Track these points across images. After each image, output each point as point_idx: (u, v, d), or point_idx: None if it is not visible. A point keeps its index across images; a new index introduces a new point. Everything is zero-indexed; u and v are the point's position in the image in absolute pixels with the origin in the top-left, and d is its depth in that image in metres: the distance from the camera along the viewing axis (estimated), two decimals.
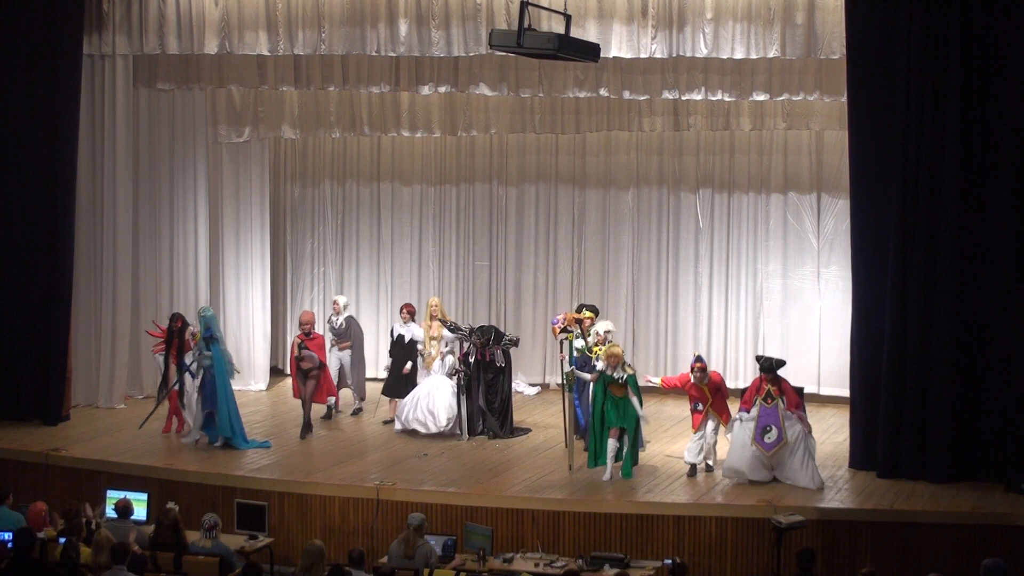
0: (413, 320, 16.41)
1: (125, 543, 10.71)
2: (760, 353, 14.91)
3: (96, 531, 11.39)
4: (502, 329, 16.94)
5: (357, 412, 16.91)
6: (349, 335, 16.85)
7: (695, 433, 14.36)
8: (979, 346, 13.87)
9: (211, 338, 15.29)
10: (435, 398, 15.78)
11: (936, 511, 13.00)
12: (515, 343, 16.17)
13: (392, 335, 16.59)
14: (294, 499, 13.78)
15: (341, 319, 16.88)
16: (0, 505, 12.07)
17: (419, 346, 16.21)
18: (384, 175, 19.24)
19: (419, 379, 16.22)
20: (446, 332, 16.00)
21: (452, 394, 15.79)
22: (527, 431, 16.07)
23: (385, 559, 11.83)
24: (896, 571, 12.47)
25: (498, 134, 18.37)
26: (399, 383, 16.33)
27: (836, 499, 13.41)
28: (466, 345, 15.89)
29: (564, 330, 15.53)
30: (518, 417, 16.50)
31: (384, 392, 16.62)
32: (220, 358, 15.29)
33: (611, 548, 12.68)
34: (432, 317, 16.12)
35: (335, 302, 17.14)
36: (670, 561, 11.57)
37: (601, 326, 15.32)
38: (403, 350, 16.37)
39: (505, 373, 15.95)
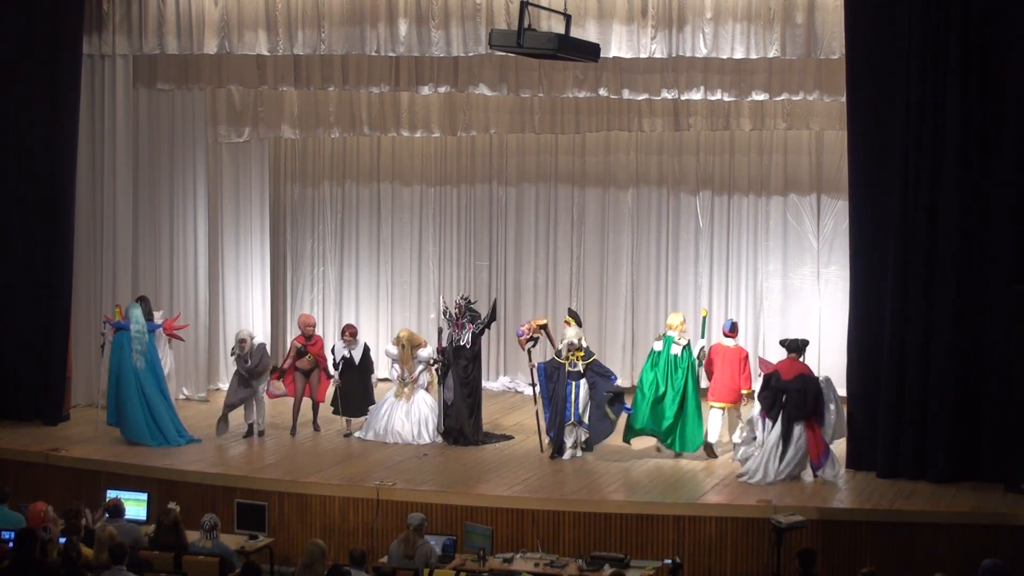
0: (356, 340, 15.99)
1: (123, 544, 10.72)
2: (785, 338, 15.03)
3: (100, 531, 11.36)
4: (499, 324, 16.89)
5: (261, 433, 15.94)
6: (264, 366, 15.85)
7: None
8: (979, 346, 13.87)
9: (122, 327, 15.36)
10: (413, 412, 15.56)
11: (936, 511, 12.99)
12: (493, 316, 15.82)
13: (334, 355, 16.02)
14: (294, 499, 13.77)
15: (253, 360, 15.62)
16: (0, 505, 12.07)
17: (395, 372, 15.85)
18: (384, 175, 19.25)
19: (376, 395, 15.92)
20: (420, 352, 15.71)
21: (431, 409, 15.64)
22: (506, 438, 15.78)
23: (385, 559, 11.83)
24: (896, 571, 12.46)
25: (498, 134, 18.38)
26: (355, 403, 15.96)
27: (836, 499, 13.42)
28: (446, 332, 15.68)
29: (531, 339, 15.43)
30: (516, 418, 16.49)
31: (345, 413, 16.01)
32: (123, 345, 15.33)
33: (611, 548, 12.67)
34: (403, 348, 15.74)
35: (243, 341, 15.70)
36: (670, 561, 11.57)
37: (572, 334, 14.98)
38: (353, 372, 15.93)
39: (476, 361, 15.58)
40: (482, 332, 15.62)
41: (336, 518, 13.64)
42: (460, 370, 15.45)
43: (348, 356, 15.93)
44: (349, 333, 16.10)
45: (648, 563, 12.05)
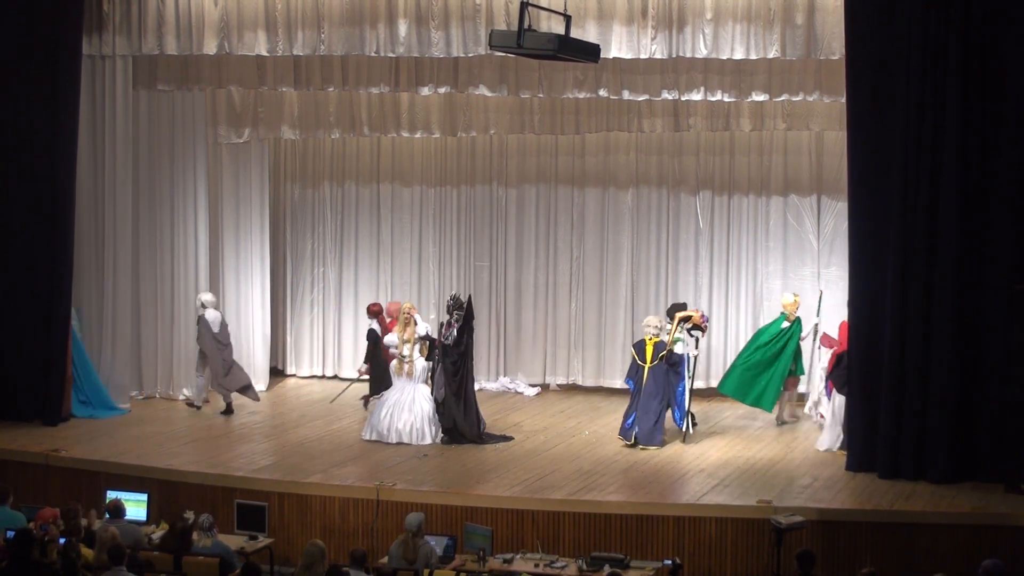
0: (375, 318, 16.70)
1: (121, 544, 10.71)
2: None
3: (101, 531, 11.36)
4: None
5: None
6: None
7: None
8: (978, 346, 13.88)
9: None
10: (415, 410, 15.57)
11: (936, 512, 13.00)
12: (470, 313, 15.59)
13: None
14: (294, 499, 13.77)
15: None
16: (1, 505, 12.07)
17: (393, 350, 15.93)
18: (384, 176, 19.25)
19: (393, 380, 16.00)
20: (419, 331, 15.76)
21: (431, 404, 15.65)
22: (506, 438, 15.76)
23: (385, 560, 11.83)
24: (896, 572, 12.46)
25: (498, 135, 18.37)
26: (375, 381, 16.53)
27: (836, 499, 13.42)
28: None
29: (696, 327, 16.16)
30: (516, 418, 16.47)
31: (371, 392, 16.79)
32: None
33: (611, 548, 12.68)
34: (406, 324, 15.79)
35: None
36: (670, 562, 11.57)
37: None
38: (372, 348, 16.59)
39: (464, 359, 15.51)
40: (464, 329, 15.53)
41: (336, 519, 13.64)
42: (448, 367, 15.45)
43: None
44: (368, 312, 16.81)
45: (648, 563, 12.05)
